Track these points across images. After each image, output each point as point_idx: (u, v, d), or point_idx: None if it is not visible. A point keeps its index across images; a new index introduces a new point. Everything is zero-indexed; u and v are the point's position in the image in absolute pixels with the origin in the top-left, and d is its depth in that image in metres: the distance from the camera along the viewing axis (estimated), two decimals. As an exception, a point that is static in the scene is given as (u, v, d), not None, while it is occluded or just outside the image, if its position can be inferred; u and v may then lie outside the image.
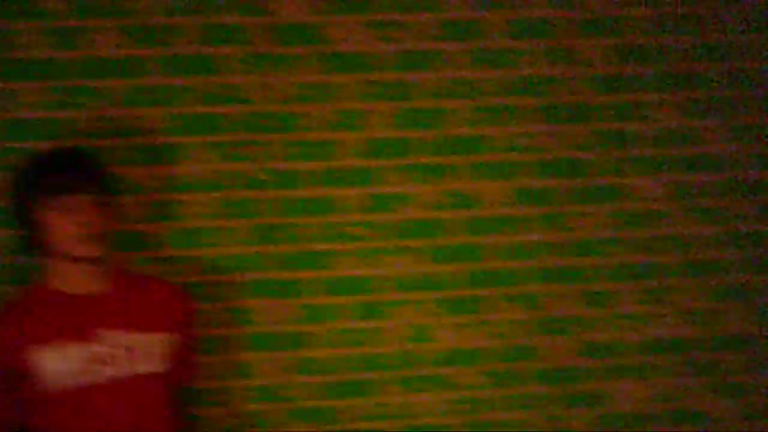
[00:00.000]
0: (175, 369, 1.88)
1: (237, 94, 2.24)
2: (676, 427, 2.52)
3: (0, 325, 1.73)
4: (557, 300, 2.44)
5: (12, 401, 1.75)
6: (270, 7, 2.23)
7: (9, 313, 1.76)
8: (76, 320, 1.75)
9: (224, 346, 2.34)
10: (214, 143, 2.25)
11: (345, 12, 2.26)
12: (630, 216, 2.45)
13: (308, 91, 2.26)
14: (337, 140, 2.29)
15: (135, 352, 1.77)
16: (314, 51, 2.25)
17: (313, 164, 2.29)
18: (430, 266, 2.38)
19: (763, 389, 2.55)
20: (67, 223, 1.68)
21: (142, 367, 1.77)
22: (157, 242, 2.26)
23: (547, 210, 2.41)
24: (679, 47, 2.44)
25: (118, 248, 2.15)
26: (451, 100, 2.32)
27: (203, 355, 2.29)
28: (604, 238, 2.44)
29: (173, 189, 2.25)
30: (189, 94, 2.22)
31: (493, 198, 2.38)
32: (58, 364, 1.70)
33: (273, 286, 2.33)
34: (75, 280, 1.77)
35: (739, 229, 2.51)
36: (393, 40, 2.28)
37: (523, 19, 2.34)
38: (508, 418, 2.48)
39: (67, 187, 1.68)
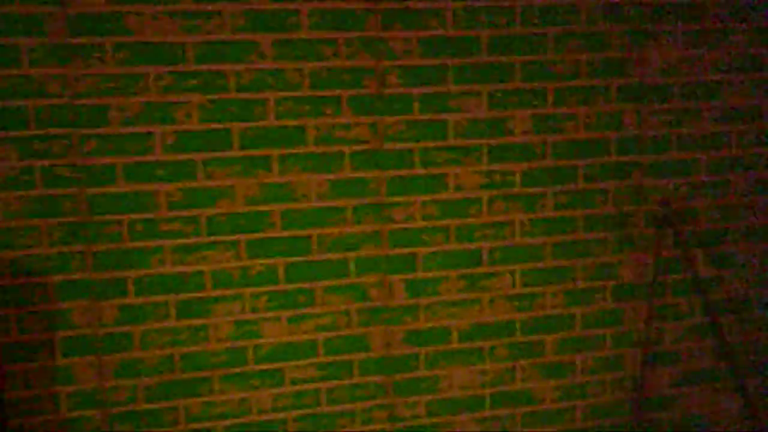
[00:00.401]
0: None
1: (39, 87, 2.16)
2: (505, 408, 2.59)
3: None
4: (382, 289, 2.47)
5: None
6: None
7: None
8: None
9: (35, 352, 2.26)
10: (13, 139, 2.16)
11: (150, 2, 2.22)
12: (446, 205, 2.51)
13: (114, 83, 2.21)
14: (148, 134, 2.24)
15: None
16: (115, 41, 2.20)
17: (121, 159, 2.23)
18: (253, 260, 2.36)
19: (583, 367, 2.66)
20: None
21: None
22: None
23: (366, 201, 2.43)
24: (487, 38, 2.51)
25: None
26: (263, 91, 2.32)
27: (15, 362, 2.20)
28: (424, 227, 2.48)
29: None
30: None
31: (312, 190, 2.38)
32: None
33: (85, 287, 2.25)
34: None
35: (549, 215, 2.60)
36: (201, 31, 2.26)
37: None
38: (341, 409, 2.48)
39: None
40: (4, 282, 2.18)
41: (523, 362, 2.59)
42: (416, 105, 2.41)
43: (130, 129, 2.21)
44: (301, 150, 2.34)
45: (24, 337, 2.22)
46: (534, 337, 2.61)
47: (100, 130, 2.19)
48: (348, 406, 2.49)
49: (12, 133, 2.14)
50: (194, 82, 2.22)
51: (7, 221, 2.16)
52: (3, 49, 2.10)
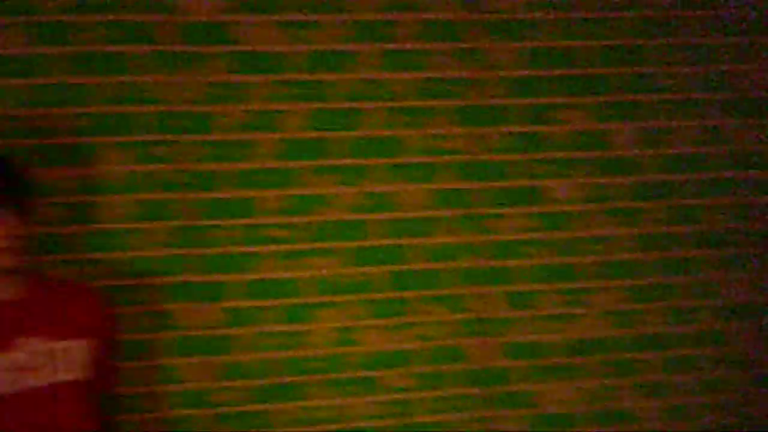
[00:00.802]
0: (96, 375, 1.83)
1: (148, 94, 2.23)
2: (602, 427, 2.52)
3: None
4: (480, 301, 2.45)
5: None
6: (180, 6, 2.24)
7: None
8: None
9: (147, 351, 2.32)
10: (128, 143, 2.24)
11: (256, 11, 2.27)
12: (546, 218, 2.47)
13: (221, 90, 2.26)
14: (252, 141, 2.29)
15: (55, 360, 1.73)
16: (225, 50, 2.25)
17: (229, 165, 2.29)
18: (352, 268, 2.38)
19: (682, 388, 2.57)
20: None
21: (63, 375, 1.72)
22: (73, 245, 2.25)
23: (466, 212, 2.42)
24: (587, 49, 2.47)
25: (35, 252, 2.13)
26: (365, 101, 2.34)
27: (126, 360, 2.27)
28: (523, 239, 2.45)
29: (89, 191, 2.24)
30: (100, 94, 2.20)
31: (413, 200, 2.39)
32: None
33: (194, 290, 2.31)
34: None
35: (651, 231, 2.54)
36: (305, 41, 2.29)
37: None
38: (436, 420, 2.47)
39: None
40: (117, 282, 2.25)
41: (620, 380, 2.53)
42: (518, 116, 2.39)
43: (234, 136, 2.26)
44: (401, 160, 2.35)
45: (135, 335, 2.29)
46: (632, 355, 2.54)
47: (207, 137, 2.25)
48: (441, 418, 2.48)
49: (121, 139, 2.21)
50: (297, 90, 2.26)
51: (119, 223, 2.23)
52: (112, 56, 2.17)
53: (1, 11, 2.12)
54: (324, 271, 2.34)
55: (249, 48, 2.23)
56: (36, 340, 1.71)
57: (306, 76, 2.26)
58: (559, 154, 2.40)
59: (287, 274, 2.33)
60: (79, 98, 2.18)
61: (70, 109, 2.18)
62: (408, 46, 2.29)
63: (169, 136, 2.23)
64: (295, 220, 2.31)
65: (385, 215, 2.35)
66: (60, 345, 1.73)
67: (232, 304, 2.33)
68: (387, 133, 2.31)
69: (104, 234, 2.25)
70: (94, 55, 2.18)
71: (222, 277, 2.31)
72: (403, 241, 2.37)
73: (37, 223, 1.75)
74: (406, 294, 2.39)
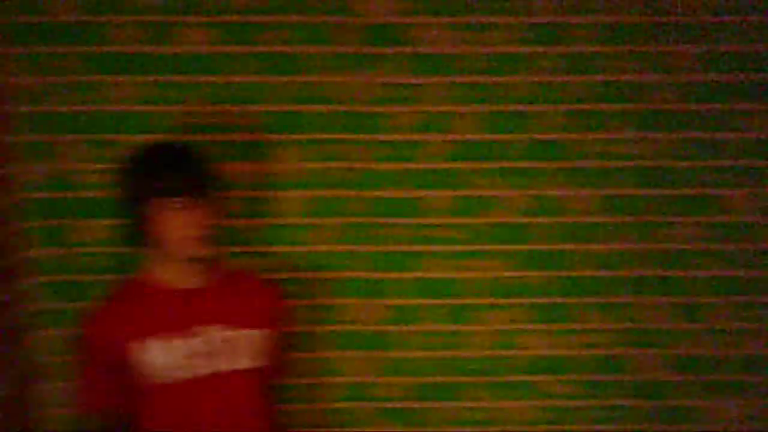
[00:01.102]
0: (269, 365, 1.88)
1: (325, 94, 2.28)
2: (774, 448, 2.41)
3: (102, 317, 1.76)
4: (649, 311, 2.38)
5: (116, 389, 1.78)
6: (358, 8, 2.27)
7: (110, 306, 1.76)
8: (177, 315, 1.76)
9: (313, 344, 2.38)
10: (305, 141, 2.29)
11: (432, 14, 2.28)
12: (722, 228, 2.37)
13: (394, 91, 2.29)
14: (423, 141, 2.30)
15: (232, 348, 1.78)
16: (400, 52, 2.27)
17: (402, 165, 2.31)
18: (519, 272, 2.36)
19: None
20: (178, 224, 1.67)
21: (239, 363, 1.78)
22: (249, 237, 2.33)
23: (638, 219, 2.36)
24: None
25: (217, 243, 2.21)
26: (540, 104, 2.31)
27: (293, 351, 2.33)
28: (697, 249, 2.36)
29: (266, 186, 2.31)
30: (280, 92, 2.27)
31: (583, 205, 2.34)
32: (159, 357, 1.72)
33: (360, 286, 2.35)
34: (176, 275, 1.78)
35: None
36: (480, 43, 2.29)
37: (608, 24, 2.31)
38: (589, 429, 2.42)
39: (180, 188, 1.67)
40: (288, 275, 2.31)
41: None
42: (693, 122, 2.30)
43: (406, 136, 2.28)
44: (580, 164, 2.31)
45: (306, 328, 2.35)
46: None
47: (380, 137, 2.27)
48: (601, 428, 2.43)
49: (299, 137, 2.26)
50: (473, 93, 2.25)
51: (295, 218, 2.29)
52: (290, 57, 2.23)
53: (192, 11, 2.21)
54: (488, 274, 2.33)
55: (423, 50, 2.24)
56: (216, 327, 1.77)
57: (480, 78, 2.25)
58: (738, 162, 2.30)
59: (452, 275, 2.34)
60: (261, 96, 2.24)
61: (252, 107, 2.25)
62: (584, 48, 2.24)
63: (343, 135, 2.26)
64: (462, 221, 2.31)
65: (554, 219, 2.32)
66: (238, 333, 1.79)
67: (397, 301, 2.35)
68: (560, 136, 2.28)
69: (278, 228, 2.31)
70: (276, 55, 2.23)
71: (388, 275, 2.34)
72: (570, 247, 2.33)
73: (221, 215, 1.80)
74: (570, 300, 2.35)
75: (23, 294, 2.28)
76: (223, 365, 1.77)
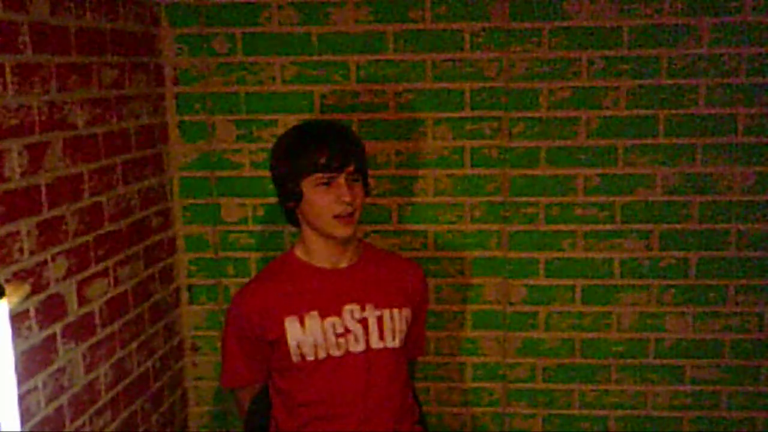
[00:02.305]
0: (409, 343, 1.88)
1: (474, 71, 2.26)
2: None
3: (255, 293, 1.77)
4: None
5: (260, 363, 1.81)
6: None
7: (263, 282, 1.79)
8: (328, 294, 1.76)
9: (447, 322, 2.39)
10: (449, 119, 2.28)
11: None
12: None
13: (545, 67, 2.26)
14: (572, 118, 2.27)
15: (379, 327, 1.77)
16: (551, 26, 2.24)
17: (545, 142, 2.28)
18: (657, 252, 2.31)
19: None
20: (332, 200, 1.67)
21: (383, 342, 1.78)
22: (390, 216, 2.34)
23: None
24: None
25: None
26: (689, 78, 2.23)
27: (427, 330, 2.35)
28: None
29: (408, 165, 2.32)
30: (425, 70, 2.26)
31: (728, 182, 2.27)
32: (304, 335, 1.73)
33: (498, 265, 2.34)
34: (324, 254, 1.78)
35: None
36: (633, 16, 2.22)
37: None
38: (743, 416, 2.36)
39: (343, 163, 1.66)
40: (427, 254, 2.32)
41: None
42: None
43: (557, 113, 2.25)
44: (728, 140, 2.23)
45: (439, 307, 2.35)
46: None
47: (529, 114, 2.25)
48: (753, 414, 2.35)
49: (449, 114, 2.26)
50: (625, 66, 2.20)
51: (436, 197, 2.29)
52: (448, 33, 2.22)
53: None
54: (634, 253, 2.29)
55: (579, 23, 2.20)
56: (362, 306, 1.77)
57: (634, 52, 2.20)
58: None
59: (595, 255, 2.30)
60: (408, 75, 2.25)
61: (399, 85, 2.26)
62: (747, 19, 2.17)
63: (493, 113, 2.25)
64: (610, 199, 2.27)
65: (705, 198, 2.27)
66: (383, 313, 1.78)
67: (537, 281, 2.33)
68: (715, 111, 2.22)
69: (417, 207, 2.32)
70: (427, 32, 2.23)
71: (530, 255, 2.32)
72: (722, 227, 2.29)
73: (369, 194, 1.82)
74: (720, 282, 2.28)
75: (173, 270, 2.34)
76: (370, 344, 1.77)
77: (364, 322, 1.76)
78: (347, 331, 1.74)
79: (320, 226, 1.71)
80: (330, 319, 1.73)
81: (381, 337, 1.77)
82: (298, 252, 1.80)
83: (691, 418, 2.37)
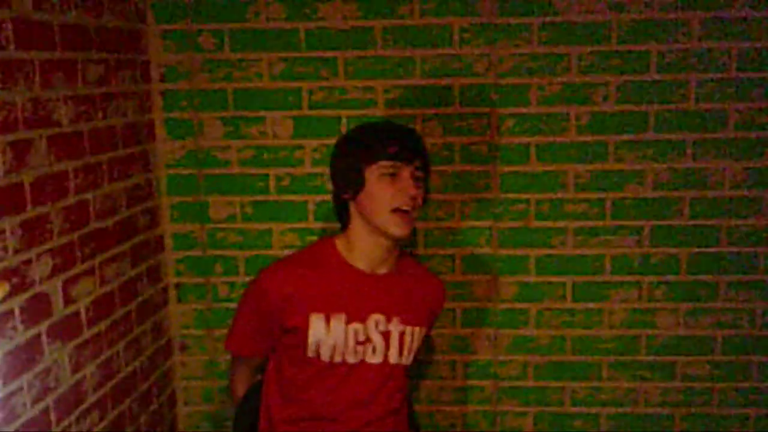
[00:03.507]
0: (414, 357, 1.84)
1: (462, 66, 2.25)
2: None
3: (284, 277, 1.70)
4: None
5: (266, 340, 1.76)
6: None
7: (294, 268, 1.71)
8: (354, 297, 1.70)
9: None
10: (438, 116, 2.26)
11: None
12: None
13: (534, 63, 2.25)
14: (562, 114, 2.26)
15: (396, 343, 1.74)
16: (540, 21, 2.22)
17: (535, 138, 2.27)
18: (648, 248, 2.30)
19: None
20: (394, 191, 1.63)
21: (400, 358, 1.75)
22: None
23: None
24: None
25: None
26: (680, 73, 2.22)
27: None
28: None
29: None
30: (414, 66, 2.25)
31: (722, 177, 2.26)
32: (326, 335, 1.68)
33: (489, 262, 2.33)
34: (368, 256, 1.71)
35: None
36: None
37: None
38: (734, 414, 2.36)
39: (406, 155, 1.63)
40: (418, 251, 2.31)
41: None
42: None
43: (546, 109, 2.24)
44: (718, 135, 2.23)
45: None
46: None
47: (518, 110, 2.24)
48: (742, 411, 2.35)
49: (437, 110, 2.25)
50: (615, 62, 2.20)
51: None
52: (436, 28, 2.21)
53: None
54: (625, 250, 2.28)
55: (567, 19, 2.18)
56: (388, 318, 1.73)
57: (623, 47, 2.19)
58: None
59: (586, 251, 2.29)
60: (394, 70, 2.23)
61: (385, 82, 2.25)
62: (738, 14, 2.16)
63: (481, 109, 2.24)
64: (600, 195, 2.26)
65: (695, 193, 2.26)
66: (406, 329, 1.75)
67: (527, 278, 2.32)
68: (705, 106, 2.22)
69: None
70: (410, 29, 2.22)
71: (520, 251, 2.31)
72: (712, 222, 2.28)
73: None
74: (711, 278, 2.27)
75: (160, 268, 2.32)
76: (390, 358, 1.74)
77: (386, 335, 1.72)
78: (368, 340, 1.71)
79: (376, 220, 1.65)
80: (354, 325, 1.70)
81: (400, 353, 1.74)
82: (340, 246, 1.74)
83: (683, 415, 2.37)
